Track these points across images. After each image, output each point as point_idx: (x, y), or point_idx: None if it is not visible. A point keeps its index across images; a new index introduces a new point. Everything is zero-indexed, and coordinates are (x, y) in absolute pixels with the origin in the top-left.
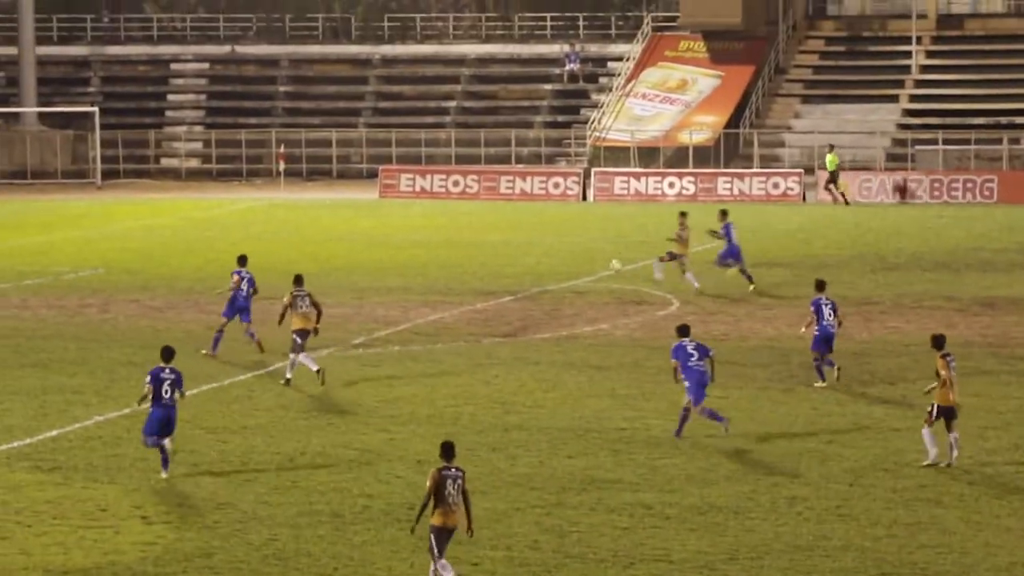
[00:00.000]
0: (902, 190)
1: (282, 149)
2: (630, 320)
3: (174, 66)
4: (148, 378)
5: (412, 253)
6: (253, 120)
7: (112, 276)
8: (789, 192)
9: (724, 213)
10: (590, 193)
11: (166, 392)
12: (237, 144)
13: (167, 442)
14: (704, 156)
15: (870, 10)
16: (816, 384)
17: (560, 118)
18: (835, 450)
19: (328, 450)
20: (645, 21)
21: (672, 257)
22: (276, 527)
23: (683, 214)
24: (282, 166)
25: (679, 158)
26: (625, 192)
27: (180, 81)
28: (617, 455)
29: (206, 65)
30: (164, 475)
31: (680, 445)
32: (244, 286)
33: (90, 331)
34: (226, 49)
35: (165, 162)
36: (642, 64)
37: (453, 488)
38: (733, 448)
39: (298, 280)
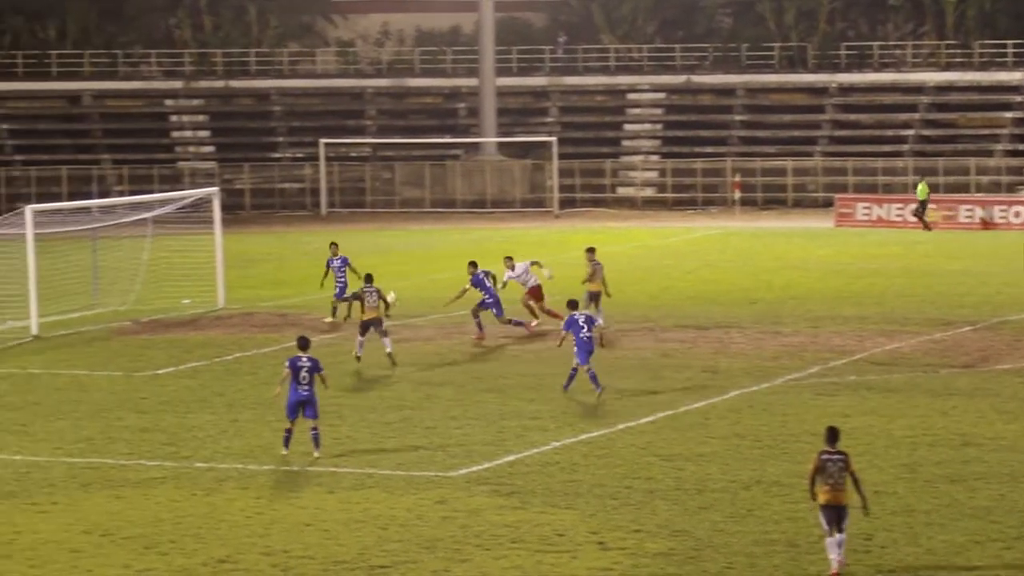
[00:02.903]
0: None
1: (737, 178)
2: None
3: (631, 96)
4: (287, 364)
5: (868, 282)
6: (709, 149)
7: None
8: None
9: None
10: None
11: (304, 378)
12: (693, 173)
13: (316, 425)
14: None
15: None
16: None
17: (1021, 146)
18: None
19: (783, 479)
20: None
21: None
22: (731, 555)
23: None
24: (737, 195)
25: None
26: None
27: (636, 111)
28: None
29: (662, 95)
30: (316, 454)
31: None
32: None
33: (546, 358)
34: (682, 79)
35: (621, 191)
36: None
37: (835, 469)
38: None
39: (368, 279)
